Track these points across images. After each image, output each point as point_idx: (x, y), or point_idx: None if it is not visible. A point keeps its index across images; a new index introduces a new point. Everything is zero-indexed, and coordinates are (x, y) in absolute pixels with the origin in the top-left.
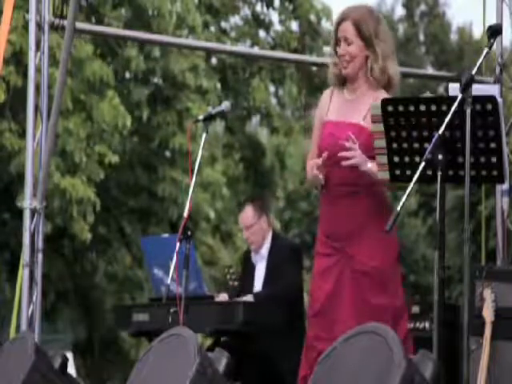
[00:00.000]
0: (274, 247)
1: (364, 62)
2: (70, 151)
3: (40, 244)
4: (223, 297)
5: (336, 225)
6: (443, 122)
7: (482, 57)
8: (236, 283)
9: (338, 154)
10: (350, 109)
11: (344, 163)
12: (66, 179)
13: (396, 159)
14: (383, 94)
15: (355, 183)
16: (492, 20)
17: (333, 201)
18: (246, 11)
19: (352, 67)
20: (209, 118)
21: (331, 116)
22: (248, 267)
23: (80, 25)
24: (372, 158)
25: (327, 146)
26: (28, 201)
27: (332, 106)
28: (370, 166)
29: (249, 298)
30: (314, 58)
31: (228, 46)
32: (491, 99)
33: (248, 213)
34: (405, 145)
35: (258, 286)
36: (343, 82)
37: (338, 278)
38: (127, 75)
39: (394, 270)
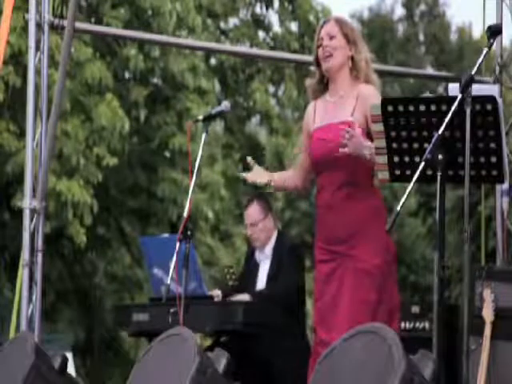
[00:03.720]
0: (277, 247)
1: (346, 61)
2: (67, 154)
3: (40, 244)
4: (216, 293)
5: (335, 229)
6: (443, 121)
7: (482, 57)
8: (236, 283)
9: (336, 154)
10: (335, 109)
11: (341, 150)
12: (62, 182)
13: (396, 159)
14: (367, 86)
15: (351, 185)
16: (492, 20)
17: (330, 205)
18: (244, 12)
19: (334, 60)
20: (208, 118)
21: (318, 124)
22: (251, 265)
23: (80, 25)
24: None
25: (317, 152)
26: (28, 200)
27: (317, 115)
28: (369, 144)
29: (245, 297)
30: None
31: (228, 46)
32: (491, 99)
33: (255, 210)
34: (405, 145)
35: (260, 285)
36: (323, 88)
37: (341, 280)
38: (126, 75)
39: (391, 270)
